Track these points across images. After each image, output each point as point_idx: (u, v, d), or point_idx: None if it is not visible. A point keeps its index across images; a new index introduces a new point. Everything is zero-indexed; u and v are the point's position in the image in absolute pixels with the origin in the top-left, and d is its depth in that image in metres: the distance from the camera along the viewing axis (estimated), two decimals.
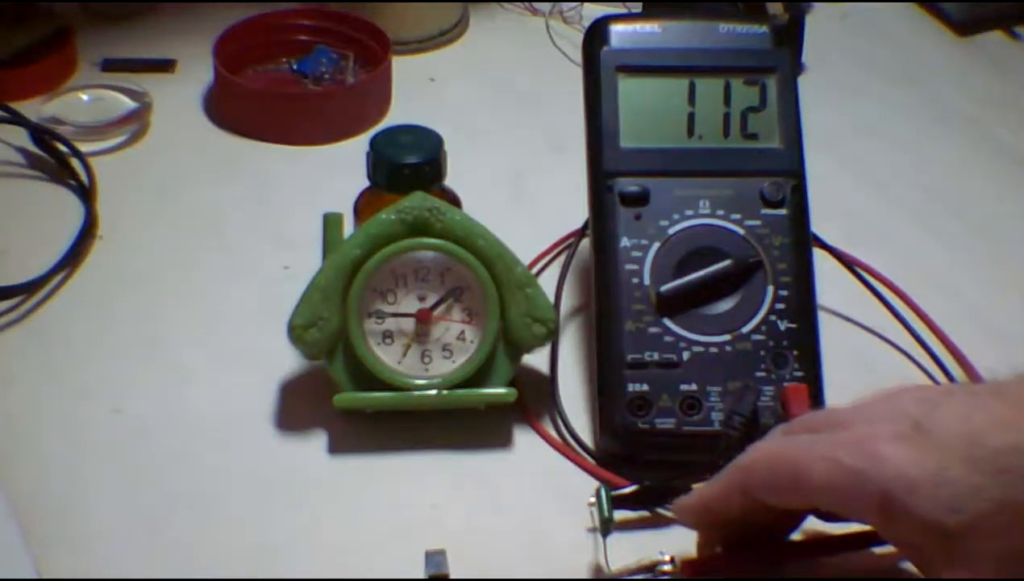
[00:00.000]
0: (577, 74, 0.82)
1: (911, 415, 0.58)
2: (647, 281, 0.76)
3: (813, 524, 0.66)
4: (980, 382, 0.79)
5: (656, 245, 0.77)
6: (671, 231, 0.77)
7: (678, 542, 0.66)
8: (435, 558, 0.67)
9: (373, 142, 0.80)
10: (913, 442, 0.56)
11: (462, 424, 0.76)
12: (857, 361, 0.81)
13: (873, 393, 0.62)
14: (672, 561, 0.66)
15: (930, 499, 0.55)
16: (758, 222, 0.78)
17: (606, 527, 0.69)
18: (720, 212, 0.78)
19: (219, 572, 0.68)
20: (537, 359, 0.80)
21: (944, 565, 0.56)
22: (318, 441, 0.76)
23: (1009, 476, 0.55)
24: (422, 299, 0.75)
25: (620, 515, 0.70)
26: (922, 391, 0.60)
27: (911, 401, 0.59)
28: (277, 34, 1.05)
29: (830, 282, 0.82)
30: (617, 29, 0.81)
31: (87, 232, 0.88)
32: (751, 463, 0.61)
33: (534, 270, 0.85)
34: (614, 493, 0.70)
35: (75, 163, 0.94)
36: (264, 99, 1.00)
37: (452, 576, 0.67)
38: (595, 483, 0.72)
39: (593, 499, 0.70)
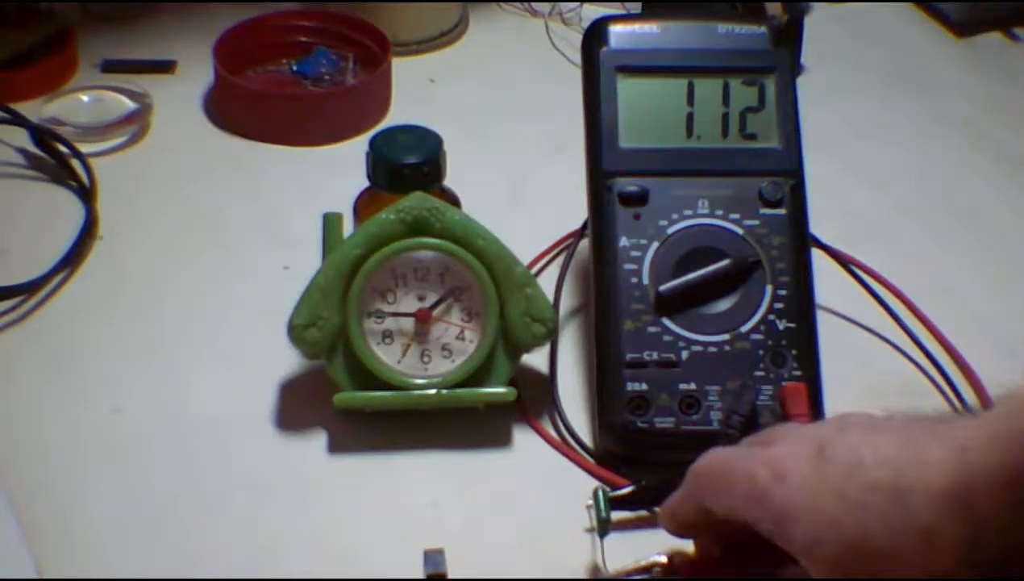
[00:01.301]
0: (576, 75, 0.82)
1: (823, 439, 0.57)
2: (646, 281, 0.76)
3: None
4: (978, 384, 0.79)
5: (655, 245, 0.77)
6: (670, 231, 0.77)
7: (675, 542, 0.66)
8: (433, 557, 0.67)
9: (373, 142, 0.80)
10: (811, 468, 0.56)
11: (462, 424, 0.76)
12: (855, 360, 0.81)
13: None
14: (669, 561, 0.66)
15: (802, 527, 0.56)
16: (757, 222, 0.78)
17: (603, 528, 0.69)
18: (719, 212, 0.78)
19: (219, 572, 0.68)
20: (537, 359, 0.80)
21: None
22: (318, 441, 0.76)
23: (865, 514, 0.54)
24: (421, 299, 0.75)
25: (618, 515, 0.70)
26: (853, 418, 0.59)
27: (834, 427, 0.59)
28: (277, 35, 1.05)
29: (829, 282, 0.82)
30: (616, 30, 0.81)
31: (87, 232, 0.89)
32: (698, 469, 0.62)
33: (534, 270, 0.86)
34: (611, 494, 0.70)
35: (75, 164, 0.94)
36: (264, 100, 1.00)
37: (451, 575, 0.67)
38: (594, 482, 0.72)
39: (590, 501, 0.70)
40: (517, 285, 0.75)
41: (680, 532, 0.65)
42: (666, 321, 0.75)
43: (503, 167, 0.97)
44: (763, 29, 0.82)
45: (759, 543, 0.64)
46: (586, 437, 0.76)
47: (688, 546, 0.66)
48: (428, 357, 0.75)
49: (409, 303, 0.75)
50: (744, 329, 0.75)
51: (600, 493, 0.70)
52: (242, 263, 0.88)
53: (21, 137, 0.97)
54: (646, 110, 0.80)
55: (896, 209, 0.94)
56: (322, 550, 0.70)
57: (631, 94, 0.80)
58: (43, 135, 0.96)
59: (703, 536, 0.65)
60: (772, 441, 0.60)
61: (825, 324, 0.79)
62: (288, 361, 0.79)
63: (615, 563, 0.68)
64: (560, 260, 0.86)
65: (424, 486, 0.74)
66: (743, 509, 0.58)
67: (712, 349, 0.75)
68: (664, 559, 0.66)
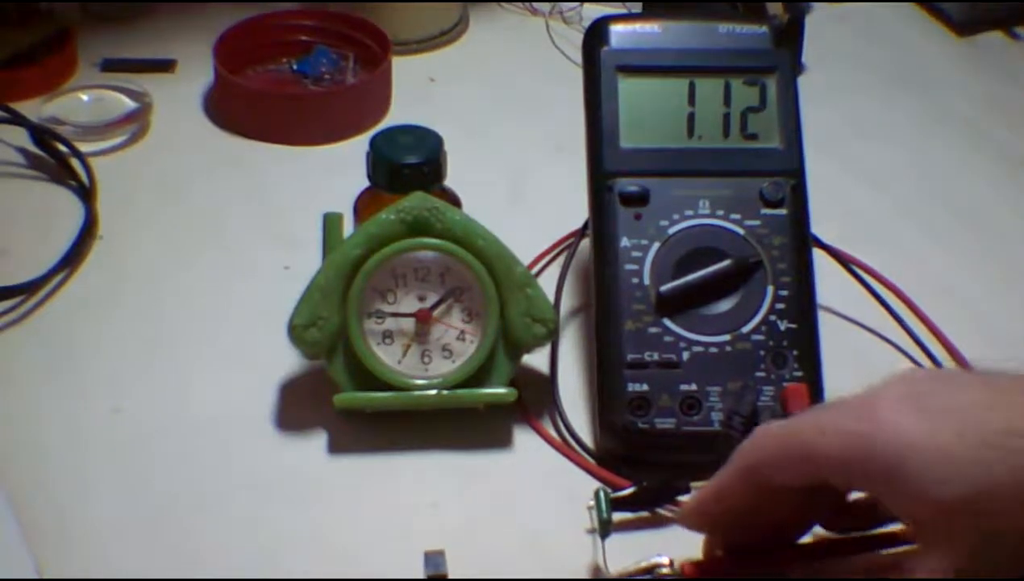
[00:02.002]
0: (577, 74, 0.82)
1: (910, 386, 0.57)
2: (647, 281, 0.76)
3: (817, 529, 0.65)
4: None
5: (656, 245, 0.77)
6: (671, 231, 0.77)
7: (677, 543, 0.66)
8: (434, 559, 0.67)
9: (373, 142, 0.80)
10: (913, 411, 0.56)
11: (462, 424, 0.76)
12: (857, 361, 0.81)
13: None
14: (671, 563, 0.66)
15: (924, 468, 0.54)
16: (758, 222, 0.78)
17: (605, 529, 0.69)
18: (720, 212, 0.78)
19: (219, 572, 0.68)
20: (537, 359, 0.80)
21: (927, 540, 0.56)
22: (318, 441, 0.76)
23: (1000, 455, 0.54)
24: (422, 299, 0.75)
25: (619, 516, 0.70)
26: (922, 370, 0.59)
27: (913, 377, 0.58)
28: (277, 34, 1.05)
29: (830, 282, 0.82)
30: (617, 29, 0.81)
31: (87, 232, 0.88)
32: (759, 442, 0.60)
33: (534, 270, 0.85)
34: (612, 495, 0.70)
35: (75, 163, 0.94)
36: (264, 99, 1.00)
37: (451, 576, 0.67)
38: (595, 483, 0.72)
39: (592, 502, 0.70)
40: (517, 285, 0.75)
41: (711, 524, 0.64)
42: (667, 322, 0.75)
43: (503, 167, 0.97)
44: (764, 29, 0.81)
45: (763, 543, 0.64)
46: (587, 438, 0.76)
47: (689, 547, 0.66)
48: (428, 357, 0.75)
49: (409, 303, 0.75)
50: (745, 330, 0.75)
51: (601, 494, 0.70)
52: (242, 263, 0.88)
53: (21, 137, 0.97)
54: (647, 110, 0.80)
55: (896, 209, 0.94)
56: (322, 550, 0.70)
57: (632, 94, 0.80)
58: (43, 135, 0.96)
59: (713, 535, 0.65)
60: (838, 403, 0.59)
61: (826, 324, 0.79)
62: (288, 361, 0.79)
63: (616, 564, 0.68)
64: (561, 260, 0.86)
65: (424, 486, 0.74)
66: (835, 465, 0.57)
67: (713, 350, 0.75)
68: (666, 560, 0.66)
